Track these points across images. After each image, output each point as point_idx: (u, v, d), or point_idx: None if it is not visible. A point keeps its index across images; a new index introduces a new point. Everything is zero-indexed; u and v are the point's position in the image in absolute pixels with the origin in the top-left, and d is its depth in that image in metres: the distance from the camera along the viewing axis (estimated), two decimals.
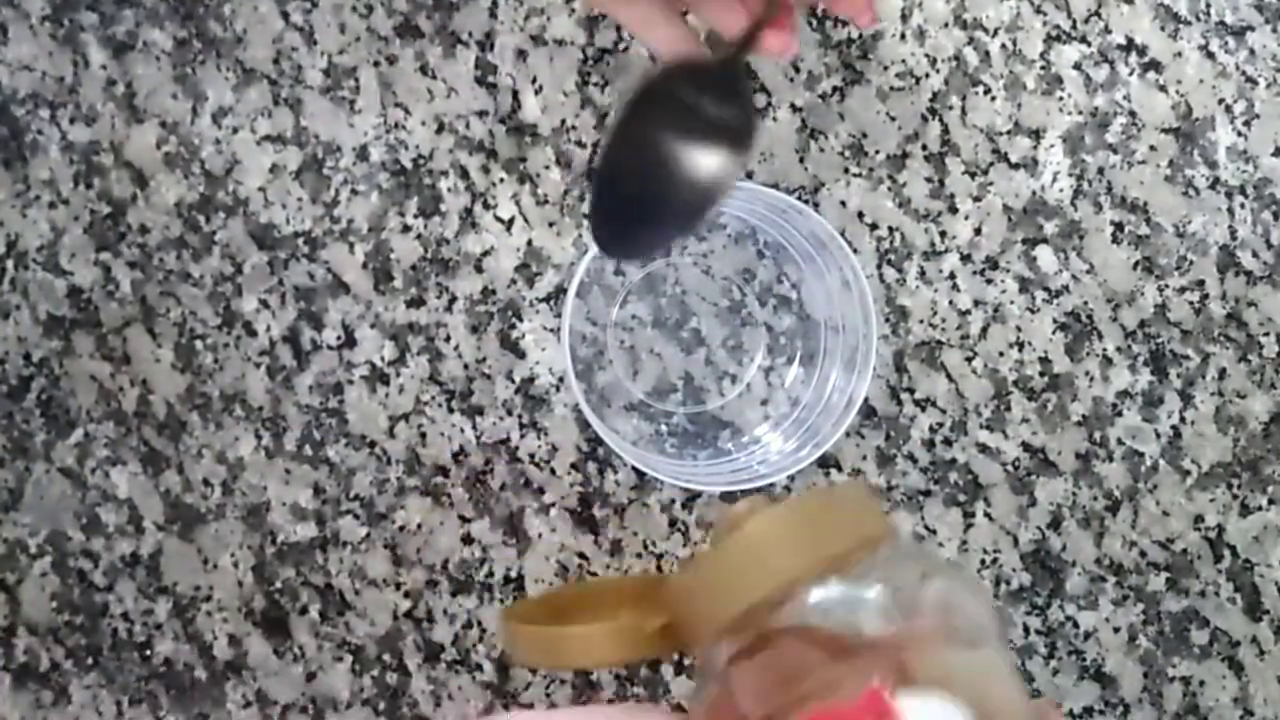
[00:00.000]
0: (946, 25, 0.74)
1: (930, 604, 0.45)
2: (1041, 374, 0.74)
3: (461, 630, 0.76)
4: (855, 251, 0.73)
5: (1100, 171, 0.74)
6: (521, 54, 0.75)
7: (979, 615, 0.46)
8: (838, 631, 0.44)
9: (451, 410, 0.76)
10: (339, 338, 0.76)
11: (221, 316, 0.76)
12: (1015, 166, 0.74)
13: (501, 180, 0.75)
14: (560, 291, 0.75)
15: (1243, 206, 0.73)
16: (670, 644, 0.47)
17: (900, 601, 0.45)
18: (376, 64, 0.76)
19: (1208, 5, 0.74)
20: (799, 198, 0.74)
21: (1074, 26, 0.74)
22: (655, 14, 0.61)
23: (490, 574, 0.76)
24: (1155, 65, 0.74)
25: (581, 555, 0.75)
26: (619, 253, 0.65)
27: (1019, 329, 0.75)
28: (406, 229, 0.76)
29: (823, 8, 0.60)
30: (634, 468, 0.74)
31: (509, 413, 0.76)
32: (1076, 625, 0.75)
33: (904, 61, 0.74)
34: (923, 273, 0.75)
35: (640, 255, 0.72)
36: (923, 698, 0.43)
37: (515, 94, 0.75)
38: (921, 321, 0.75)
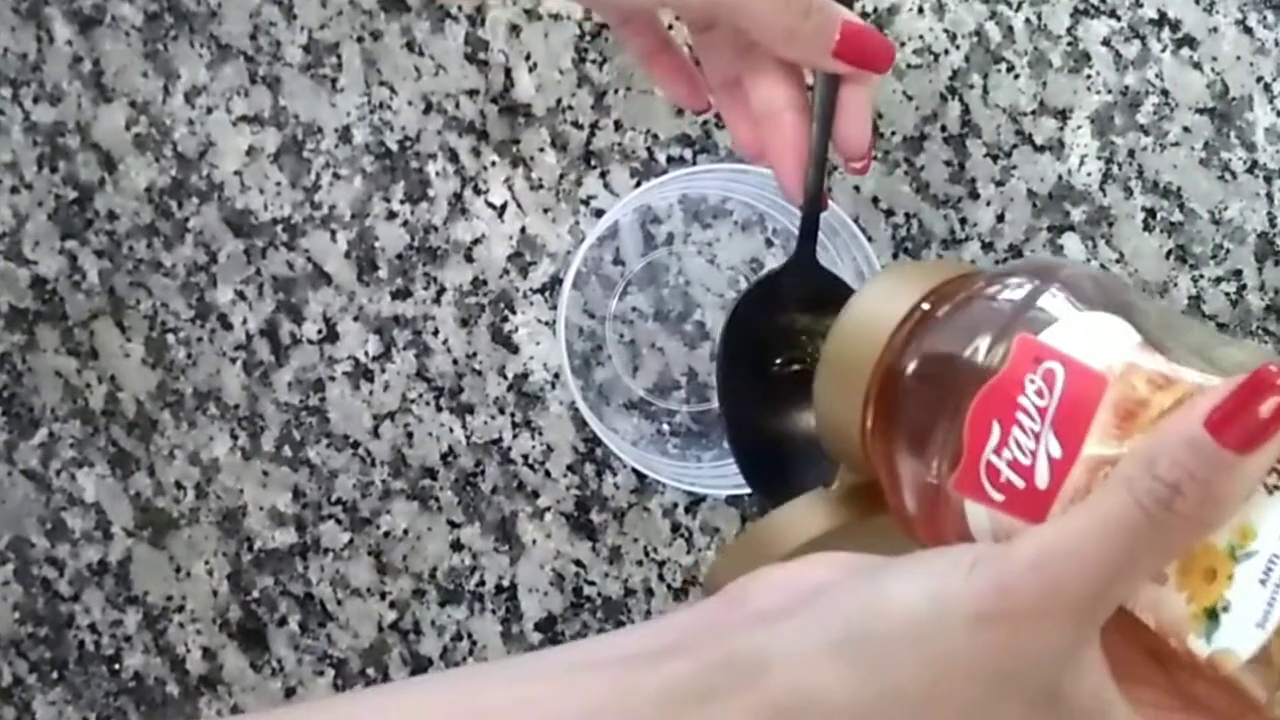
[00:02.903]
0: None
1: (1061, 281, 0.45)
2: None
3: (450, 643, 0.75)
4: (870, 239, 0.72)
5: (1131, 154, 0.73)
6: (514, 29, 0.75)
7: (1110, 285, 0.46)
8: (960, 347, 0.45)
9: (440, 409, 0.75)
10: (320, 331, 0.76)
11: (195, 308, 0.76)
12: (1040, 149, 0.73)
13: (493, 163, 0.75)
14: (556, 282, 0.75)
15: None
16: (861, 500, 0.49)
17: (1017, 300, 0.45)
18: (360, 40, 0.75)
19: None
20: None
21: (1103, 0, 0.73)
22: (657, 45, 0.64)
23: (481, 583, 0.75)
24: (1189, 41, 0.73)
25: (578, 563, 0.75)
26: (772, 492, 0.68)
27: None
28: (392, 215, 0.75)
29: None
30: (634, 470, 0.74)
31: (501, 411, 0.75)
32: None
33: (921, 37, 0.73)
34: None
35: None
36: (1068, 320, 0.43)
37: (508, 72, 0.75)
38: None
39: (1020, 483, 0.41)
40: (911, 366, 0.46)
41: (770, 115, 0.59)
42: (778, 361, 0.64)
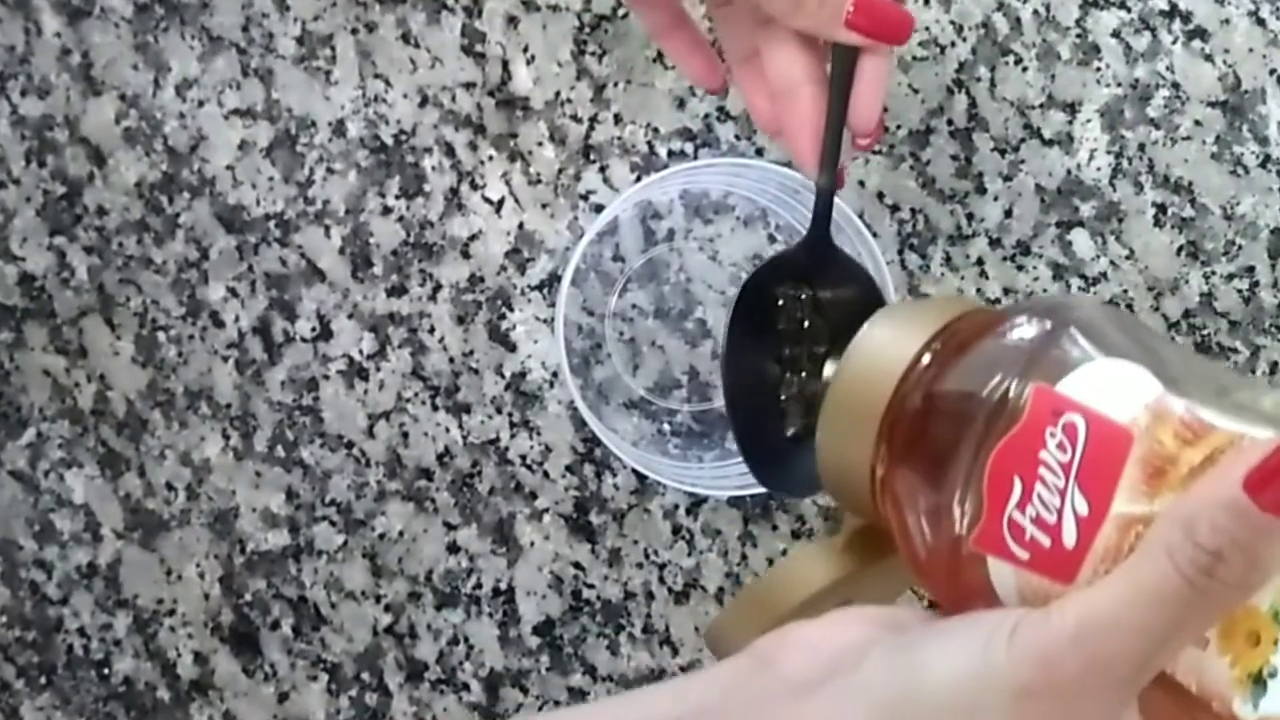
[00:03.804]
0: None
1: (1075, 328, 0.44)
2: None
3: (446, 647, 0.75)
4: (875, 235, 0.72)
5: (1141, 148, 0.73)
6: (512, 20, 0.74)
7: (1127, 331, 0.45)
8: (974, 391, 0.43)
9: (436, 408, 0.75)
10: (313, 329, 0.75)
11: (186, 306, 0.76)
12: (1049, 143, 0.73)
13: (490, 158, 0.74)
14: (554, 279, 0.74)
15: None
16: (866, 546, 0.48)
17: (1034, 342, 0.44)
18: (354, 31, 0.75)
19: None
20: None
21: None
22: (673, 20, 0.63)
23: (478, 586, 0.75)
24: (1201, 33, 0.72)
25: (577, 565, 0.75)
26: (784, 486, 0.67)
27: None
28: (387, 211, 0.75)
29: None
30: (634, 470, 0.73)
31: (498, 410, 0.74)
32: None
33: (928, 29, 0.73)
34: (948, 259, 0.73)
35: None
36: (1086, 369, 0.41)
37: (505, 64, 0.74)
38: None
39: (1046, 541, 0.40)
40: (926, 410, 0.45)
41: (788, 89, 0.59)
42: (787, 345, 0.63)
